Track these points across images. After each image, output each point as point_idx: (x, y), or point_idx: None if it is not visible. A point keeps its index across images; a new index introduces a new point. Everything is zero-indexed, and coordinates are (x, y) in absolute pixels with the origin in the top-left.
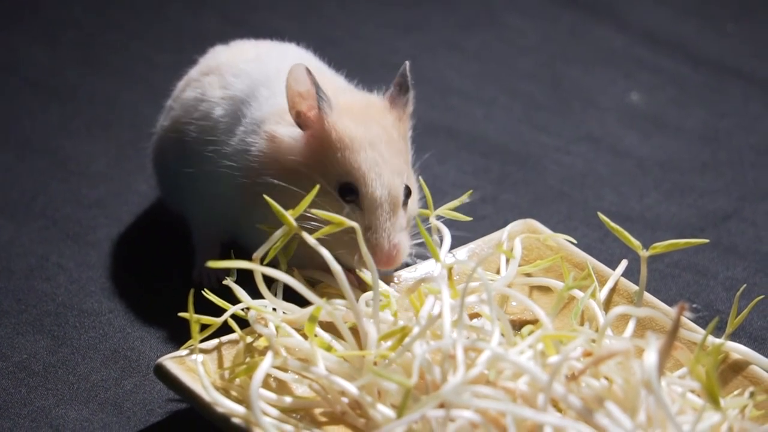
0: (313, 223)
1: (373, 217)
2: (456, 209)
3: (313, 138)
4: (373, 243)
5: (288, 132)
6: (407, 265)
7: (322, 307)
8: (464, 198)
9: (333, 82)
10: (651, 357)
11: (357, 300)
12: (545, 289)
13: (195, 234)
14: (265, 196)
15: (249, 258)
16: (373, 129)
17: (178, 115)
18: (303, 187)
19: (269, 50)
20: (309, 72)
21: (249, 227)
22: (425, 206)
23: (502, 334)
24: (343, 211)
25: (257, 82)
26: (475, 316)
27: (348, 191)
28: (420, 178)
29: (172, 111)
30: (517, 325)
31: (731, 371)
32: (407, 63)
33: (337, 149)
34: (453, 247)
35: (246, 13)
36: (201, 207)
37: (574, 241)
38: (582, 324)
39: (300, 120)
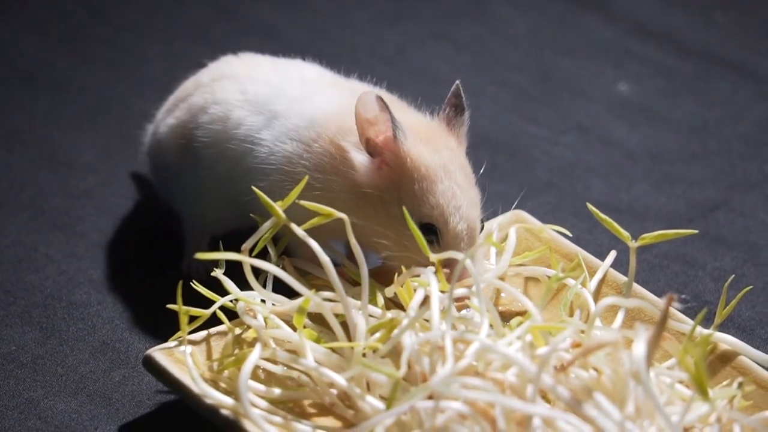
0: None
1: (455, 253)
2: None
3: (386, 165)
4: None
5: (356, 154)
6: None
7: (310, 298)
8: None
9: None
10: (640, 348)
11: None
12: (534, 280)
13: (185, 226)
14: (254, 188)
15: (238, 250)
16: (444, 155)
17: (185, 119)
18: (369, 212)
19: (284, 63)
20: (379, 98)
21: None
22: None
23: (491, 326)
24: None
25: (281, 83)
26: (463, 307)
27: (427, 230)
28: None
29: (177, 111)
30: (507, 317)
31: (720, 362)
32: (458, 82)
33: (414, 180)
34: None
35: (235, 4)
36: (200, 205)
37: (568, 234)
38: (571, 315)
39: (370, 147)
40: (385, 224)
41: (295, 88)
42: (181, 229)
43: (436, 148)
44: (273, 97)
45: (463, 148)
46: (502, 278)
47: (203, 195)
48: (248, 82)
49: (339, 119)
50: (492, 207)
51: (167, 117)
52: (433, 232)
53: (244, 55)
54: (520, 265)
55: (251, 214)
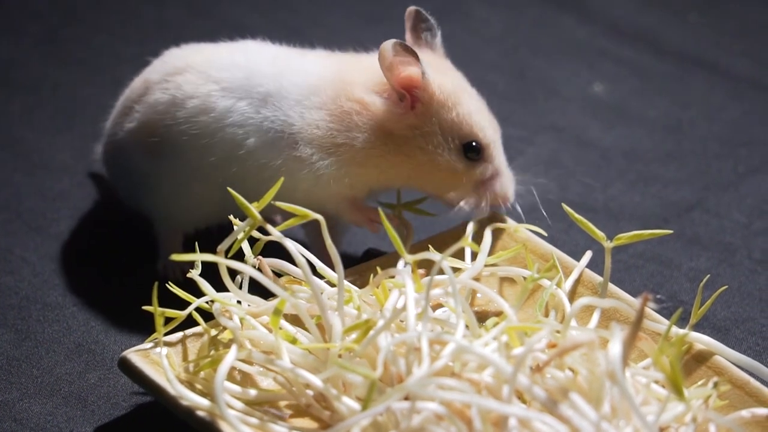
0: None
1: (500, 162)
2: (422, 203)
3: (418, 102)
4: (507, 183)
5: (376, 99)
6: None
7: (286, 299)
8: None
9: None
10: (615, 348)
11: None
12: (509, 280)
13: (159, 227)
14: (229, 189)
15: (214, 250)
16: (454, 77)
17: (153, 119)
18: (408, 150)
19: (240, 45)
20: (399, 42)
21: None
22: (394, 200)
23: (467, 327)
24: (466, 169)
25: (257, 65)
26: (438, 306)
27: (470, 149)
28: None
29: (136, 113)
30: (482, 317)
31: (695, 362)
32: (414, 7)
33: (449, 108)
34: (418, 239)
35: (210, 4)
36: (177, 202)
37: (543, 233)
38: (546, 315)
39: (399, 90)
40: (432, 161)
41: (268, 66)
42: (155, 231)
43: (445, 74)
44: (254, 80)
45: (451, 65)
46: (477, 278)
47: (182, 191)
48: (214, 71)
49: (338, 78)
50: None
51: (124, 121)
52: (475, 150)
53: (187, 47)
54: (494, 265)
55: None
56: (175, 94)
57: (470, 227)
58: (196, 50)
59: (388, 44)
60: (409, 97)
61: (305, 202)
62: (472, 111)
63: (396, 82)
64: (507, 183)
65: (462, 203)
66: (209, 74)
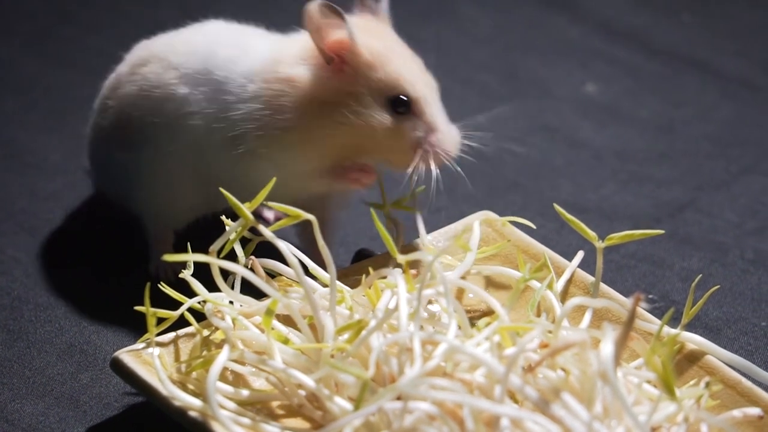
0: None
1: (434, 115)
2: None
3: (345, 65)
4: (446, 137)
5: (303, 70)
6: None
7: (278, 300)
8: (417, 192)
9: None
10: (607, 348)
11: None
12: (502, 281)
13: (148, 226)
14: (222, 190)
15: (206, 250)
16: (388, 39)
17: (124, 112)
18: (339, 117)
19: (205, 27)
20: (325, 4)
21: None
22: (379, 199)
23: (459, 327)
24: (397, 125)
25: (214, 49)
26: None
27: (398, 104)
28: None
29: (111, 110)
30: (475, 317)
31: (687, 361)
32: None
33: (377, 67)
34: (409, 239)
35: (204, 5)
36: (162, 193)
37: (532, 226)
38: (538, 315)
39: (326, 53)
40: (364, 123)
41: (223, 51)
42: (145, 232)
43: (378, 36)
44: (209, 66)
45: (392, 29)
46: (465, 276)
47: (161, 183)
48: (173, 57)
49: (270, 59)
50: (459, 208)
51: (101, 119)
52: (403, 103)
53: (156, 37)
54: (482, 260)
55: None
56: (141, 85)
57: (461, 227)
58: (160, 39)
59: (314, 6)
60: (338, 59)
61: (290, 193)
62: (401, 68)
63: (323, 44)
64: (446, 138)
65: (410, 168)
66: (169, 61)
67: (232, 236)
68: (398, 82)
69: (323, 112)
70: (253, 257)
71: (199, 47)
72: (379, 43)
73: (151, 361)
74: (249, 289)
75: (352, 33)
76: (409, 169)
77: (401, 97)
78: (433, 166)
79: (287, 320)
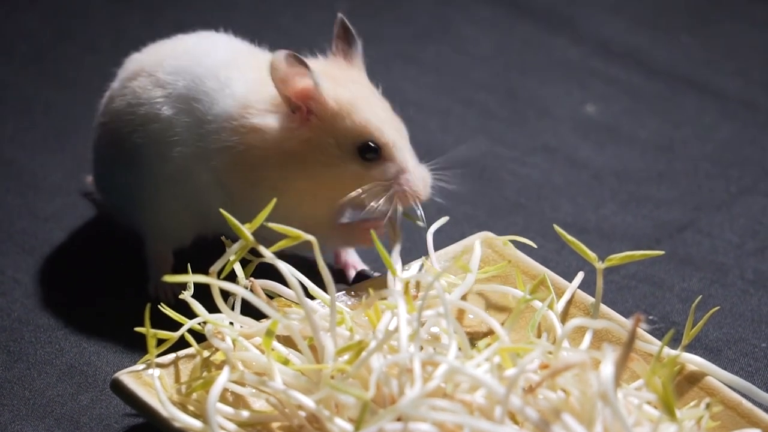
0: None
1: (403, 160)
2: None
3: (311, 114)
4: (415, 179)
5: (271, 120)
6: None
7: (278, 320)
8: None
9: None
10: (607, 369)
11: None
12: (502, 302)
13: (148, 247)
14: (221, 210)
15: (206, 271)
16: (355, 86)
17: (116, 128)
18: (308, 168)
19: (195, 43)
20: (291, 54)
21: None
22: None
23: (459, 348)
24: (367, 172)
25: (200, 75)
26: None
27: (367, 150)
28: None
29: (105, 126)
30: (476, 338)
31: (687, 382)
32: (340, 15)
33: (344, 116)
34: (409, 260)
35: (201, 24)
36: (157, 212)
37: (533, 245)
38: (539, 336)
39: (292, 103)
40: (333, 173)
41: (207, 80)
42: (145, 251)
43: (346, 84)
44: (195, 92)
45: (364, 74)
46: (466, 296)
47: (155, 201)
48: (161, 74)
49: (241, 104)
50: (459, 228)
51: (100, 136)
52: (372, 150)
53: (146, 49)
54: (483, 281)
55: (221, 238)
56: (129, 101)
57: (461, 248)
58: (150, 51)
59: (280, 56)
60: (305, 109)
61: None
62: (368, 115)
63: (289, 94)
64: (416, 180)
65: (373, 203)
66: (157, 78)
67: (233, 257)
68: (366, 129)
69: (292, 164)
70: (252, 278)
71: (187, 69)
72: (345, 91)
73: (152, 382)
74: (249, 310)
75: (317, 82)
76: (372, 204)
77: (369, 143)
78: (399, 206)
79: (287, 341)
